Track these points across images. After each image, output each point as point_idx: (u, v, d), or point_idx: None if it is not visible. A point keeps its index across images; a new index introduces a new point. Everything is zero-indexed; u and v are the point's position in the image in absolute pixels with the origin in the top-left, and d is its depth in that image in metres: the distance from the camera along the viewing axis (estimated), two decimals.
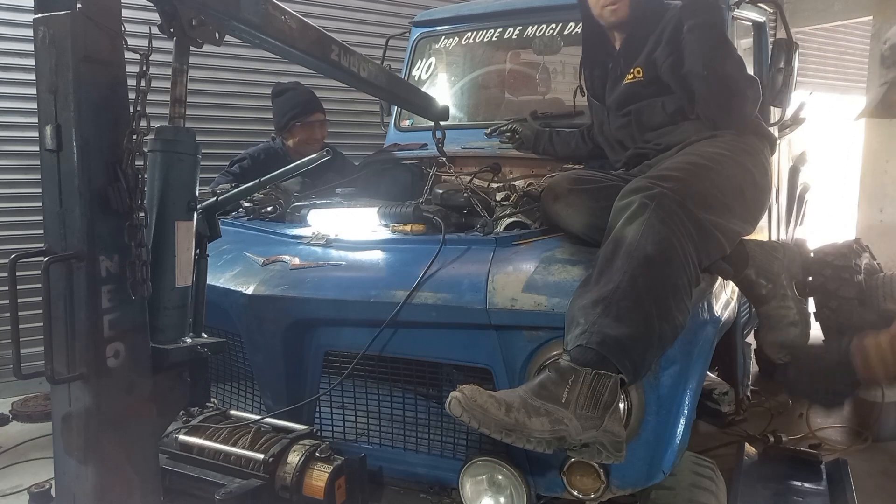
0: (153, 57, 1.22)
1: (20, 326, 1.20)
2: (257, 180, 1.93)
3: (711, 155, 1.74)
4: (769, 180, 1.91)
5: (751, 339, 2.44)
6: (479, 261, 1.65)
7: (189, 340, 1.40)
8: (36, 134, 1.20)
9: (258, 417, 1.73)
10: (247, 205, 2.38)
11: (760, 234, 2.55)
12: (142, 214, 1.23)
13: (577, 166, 2.43)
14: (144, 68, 1.20)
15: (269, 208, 2.33)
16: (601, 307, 1.39)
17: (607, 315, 1.38)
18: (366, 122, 4.92)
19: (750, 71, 2.95)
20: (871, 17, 5.95)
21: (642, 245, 1.45)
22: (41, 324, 1.18)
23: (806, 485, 2.30)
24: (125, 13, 1.20)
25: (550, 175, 2.33)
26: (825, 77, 8.19)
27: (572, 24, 2.80)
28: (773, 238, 3.01)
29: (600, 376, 1.36)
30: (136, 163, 1.22)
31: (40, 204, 1.22)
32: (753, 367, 3.31)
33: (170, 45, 1.33)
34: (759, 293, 1.90)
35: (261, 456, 1.53)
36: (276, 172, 1.96)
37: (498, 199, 2.11)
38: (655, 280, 1.44)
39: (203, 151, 1.40)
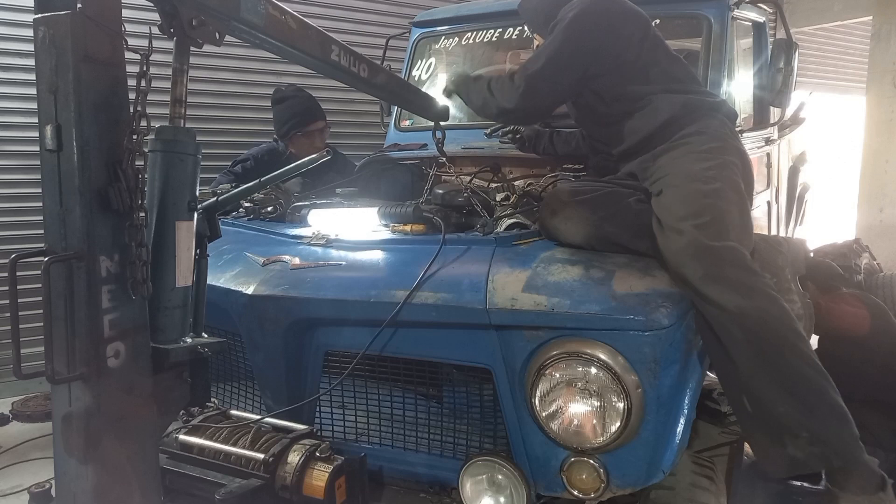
0: (153, 57, 1.22)
1: (20, 326, 1.20)
2: (257, 180, 1.93)
3: (707, 175, 1.73)
4: (747, 157, 1.93)
5: None
6: (479, 261, 1.65)
7: (189, 340, 1.40)
8: (36, 134, 1.20)
9: (258, 417, 1.73)
10: (247, 205, 2.38)
11: (760, 232, 2.55)
12: (142, 214, 1.23)
13: (576, 166, 2.43)
14: (144, 68, 1.20)
15: (269, 208, 2.34)
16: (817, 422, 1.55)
17: (838, 424, 1.57)
18: (366, 122, 4.92)
19: (750, 72, 2.98)
20: (871, 17, 5.95)
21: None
22: (41, 324, 1.18)
23: (805, 485, 2.29)
24: (125, 13, 1.19)
25: (551, 175, 2.33)
26: (825, 77, 8.20)
27: None
28: None
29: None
30: (137, 163, 1.22)
31: (40, 204, 1.22)
32: None
33: (170, 45, 1.33)
34: None
35: (261, 456, 1.53)
36: (276, 172, 1.96)
37: (498, 199, 2.11)
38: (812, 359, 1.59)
39: (203, 151, 1.40)
